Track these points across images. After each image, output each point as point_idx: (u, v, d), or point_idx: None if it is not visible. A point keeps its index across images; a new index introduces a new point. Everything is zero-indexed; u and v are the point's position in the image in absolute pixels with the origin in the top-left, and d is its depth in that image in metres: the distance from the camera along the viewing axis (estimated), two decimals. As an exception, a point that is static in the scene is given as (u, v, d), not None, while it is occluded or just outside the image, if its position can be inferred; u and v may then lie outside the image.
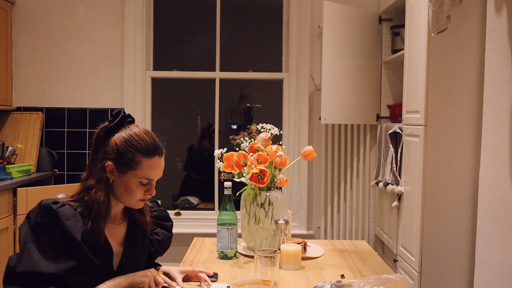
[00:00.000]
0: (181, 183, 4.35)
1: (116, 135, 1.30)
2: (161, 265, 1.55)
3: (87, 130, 3.36)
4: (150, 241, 1.48)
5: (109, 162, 1.29)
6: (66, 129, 3.36)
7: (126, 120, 1.34)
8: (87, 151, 3.32)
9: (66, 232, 1.19)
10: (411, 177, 2.47)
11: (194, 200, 4.04)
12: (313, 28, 3.39)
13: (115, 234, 1.37)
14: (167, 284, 1.37)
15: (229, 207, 1.72)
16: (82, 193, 1.30)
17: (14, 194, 2.78)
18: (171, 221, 1.59)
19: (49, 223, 1.20)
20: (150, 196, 1.35)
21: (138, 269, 1.39)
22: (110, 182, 1.30)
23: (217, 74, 3.51)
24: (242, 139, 1.87)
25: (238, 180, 1.78)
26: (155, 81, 3.50)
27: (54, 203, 1.23)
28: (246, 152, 1.76)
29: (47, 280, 1.15)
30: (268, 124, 1.86)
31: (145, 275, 1.32)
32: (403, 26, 2.79)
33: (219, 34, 3.49)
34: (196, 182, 4.36)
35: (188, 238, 2.42)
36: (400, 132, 2.65)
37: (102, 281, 1.28)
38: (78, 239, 1.20)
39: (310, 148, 1.80)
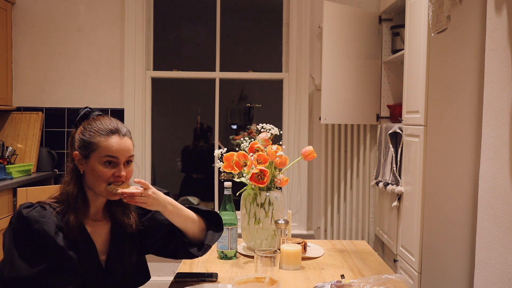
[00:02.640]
0: (182, 183, 4.36)
1: (79, 127, 1.36)
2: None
3: (87, 130, 3.36)
4: (140, 228, 1.45)
5: (75, 152, 1.33)
6: (66, 129, 3.36)
7: (91, 114, 1.38)
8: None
9: (37, 235, 1.22)
10: (411, 177, 2.47)
11: (194, 200, 4.04)
12: (313, 28, 3.39)
13: (98, 231, 1.37)
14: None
15: (229, 207, 1.72)
16: (61, 191, 1.34)
17: (14, 194, 2.78)
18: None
19: (22, 228, 1.23)
20: (121, 180, 1.32)
21: (128, 267, 1.39)
22: (81, 172, 1.33)
23: (217, 74, 3.51)
24: (242, 139, 1.87)
25: (238, 180, 1.78)
26: (155, 81, 3.50)
27: (27, 207, 1.26)
28: (246, 152, 1.76)
29: (31, 284, 1.18)
30: (268, 124, 1.86)
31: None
32: (403, 26, 2.79)
33: (219, 34, 3.49)
34: (196, 182, 4.36)
35: (188, 238, 2.42)
36: (400, 132, 2.64)
37: (88, 278, 1.29)
38: (50, 239, 1.22)
39: (310, 148, 1.80)
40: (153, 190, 1.35)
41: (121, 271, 1.38)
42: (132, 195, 1.31)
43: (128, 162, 1.35)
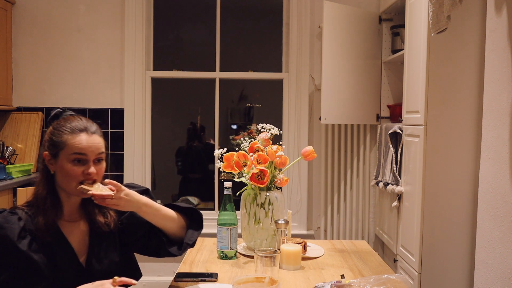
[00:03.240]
0: (181, 183, 4.35)
1: (49, 127, 1.37)
2: None
3: (87, 130, 3.36)
4: (120, 226, 1.44)
5: (45, 152, 1.33)
6: (66, 129, 3.36)
7: (62, 114, 1.40)
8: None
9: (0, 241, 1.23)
10: (411, 177, 2.46)
11: (194, 200, 4.04)
12: (313, 28, 3.39)
13: (75, 232, 1.37)
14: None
15: (229, 207, 1.72)
16: (33, 193, 1.35)
17: (14, 194, 2.78)
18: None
19: None
20: (92, 178, 1.30)
21: (110, 267, 1.38)
22: (52, 173, 1.33)
23: (217, 74, 3.51)
24: (242, 139, 1.87)
25: (238, 180, 1.77)
26: (155, 81, 3.50)
27: None
28: (246, 152, 1.76)
29: None
30: (268, 124, 1.86)
31: (102, 284, 1.27)
32: (403, 26, 2.79)
33: (219, 34, 3.49)
34: (195, 182, 4.36)
35: (188, 238, 2.42)
36: (400, 132, 2.64)
37: (69, 279, 1.28)
38: (11, 245, 1.23)
39: (310, 148, 1.80)
40: (126, 191, 1.32)
41: (102, 271, 1.37)
42: (102, 197, 1.28)
43: (99, 160, 1.34)
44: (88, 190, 1.27)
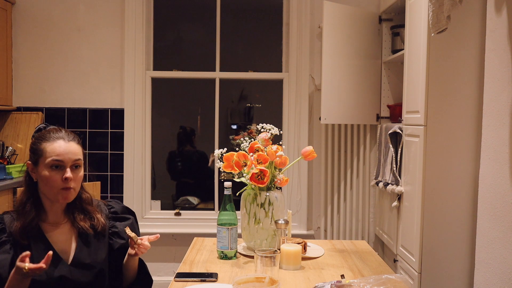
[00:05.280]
0: (181, 183, 4.35)
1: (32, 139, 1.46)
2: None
3: (87, 130, 3.36)
4: (109, 235, 1.53)
5: (28, 162, 1.42)
6: (66, 129, 3.36)
7: (46, 128, 1.47)
8: (87, 151, 3.32)
9: None
10: (411, 177, 2.46)
11: (194, 200, 4.04)
12: (313, 28, 3.39)
13: (60, 235, 1.43)
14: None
15: (229, 207, 1.72)
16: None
17: (14, 194, 2.78)
18: (132, 214, 1.65)
19: None
20: (69, 183, 1.38)
21: (96, 262, 1.45)
22: (35, 180, 1.41)
23: (217, 74, 3.51)
24: (242, 139, 1.87)
25: (238, 180, 1.77)
26: (155, 81, 3.50)
27: None
28: (246, 152, 1.76)
29: None
30: (268, 124, 1.86)
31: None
32: (403, 26, 2.79)
33: (219, 34, 3.49)
34: (195, 182, 4.35)
35: (188, 238, 2.42)
36: (400, 132, 2.64)
37: (55, 280, 1.36)
38: None
39: (310, 148, 1.80)
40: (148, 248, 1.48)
41: (92, 263, 1.43)
42: (145, 248, 1.45)
43: (76, 166, 1.42)
44: (133, 238, 1.43)
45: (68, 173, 1.37)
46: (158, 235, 1.49)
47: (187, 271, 1.60)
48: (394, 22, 3.21)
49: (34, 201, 1.40)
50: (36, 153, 1.39)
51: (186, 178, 4.30)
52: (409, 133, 2.49)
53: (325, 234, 3.39)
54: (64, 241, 1.43)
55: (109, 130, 3.38)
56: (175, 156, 4.24)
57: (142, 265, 1.59)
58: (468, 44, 2.09)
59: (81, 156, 1.43)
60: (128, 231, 1.45)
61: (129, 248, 1.49)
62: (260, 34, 4.34)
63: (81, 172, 1.44)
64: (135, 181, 3.35)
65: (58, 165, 1.37)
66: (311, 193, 3.44)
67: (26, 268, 1.21)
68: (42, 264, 1.22)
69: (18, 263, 1.24)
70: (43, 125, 1.49)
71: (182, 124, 4.41)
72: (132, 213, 1.65)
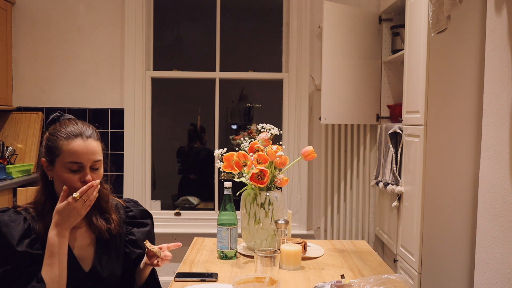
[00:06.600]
0: (181, 183, 4.35)
1: (47, 132, 1.36)
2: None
3: (87, 130, 3.36)
4: (125, 243, 1.47)
5: (43, 159, 1.33)
6: (66, 129, 3.36)
7: (60, 118, 1.38)
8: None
9: (2, 238, 1.24)
10: (411, 177, 2.46)
11: (194, 200, 4.04)
12: (313, 28, 3.38)
13: (79, 238, 1.37)
14: None
15: (229, 207, 1.72)
16: (35, 196, 1.38)
17: (14, 194, 2.78)
18: (150, 218, 1.58)
19: None
20: (92, 183, 1.30)
21: (113, 274, 1.39)
22: (50, 179, 1.33)
23: (217, 74, 3.51)
24: (242, 139, 1.87)
25: (238, 180, 1.77)
26: (155, 81, 3.50)
27: (1, 212, 1.29)
28: (246, 152, 1.76)
29: None
30: (268, 124, 1.86)
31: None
32: (403, 26, 2.79)
33: (219, 34, 3.49)
34: (195, 182, 4.36)
35: (188, 238, 2.42)
36: (400, 132, 2.64)
37: (71, 284, 1.30)
38: (11, 243, 1.23)
39: (310, 148, 1.80)
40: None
41: (108, 276, 1.38)
42: (167, 260, 1.40)
43: (96, 167, 1.33)
44: (156, 252, 1.37)
45: (88, 176, 1.29)
46: (180, 243, 1.44)
47: (187, 271, 1.60)
48: (394, 22, 3.21)
49: (52, 201, 1.32)
50: (52, 152, 1.29)
51: (192, 174, 4.34)
52: (409, 133, 2.49)
53: (325, 234, 3.39)
54: (82, 246, 1.37)
55: (109, 130, 3.38)
56: (184, 152, 4.30)
57: (152, 271, 1.53)
58: (468, 44, 2.10)
59: (100, 155, 1.34)
60: (148, 244, 1.37)
61: (145, 257, 1.43)
62: (260, 34, 4.34)
63: (101, 171, 1.35)
64: (135, 181, 3.35)
65: (77, 167, 1.29)
66: (311, 193, 3.44)
67: (77, 195, 1.22)
68: None
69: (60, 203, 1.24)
70: (58, 114, 1.39)
71: (182, 124, 4.42)
72: (150, 216, 1.58)
